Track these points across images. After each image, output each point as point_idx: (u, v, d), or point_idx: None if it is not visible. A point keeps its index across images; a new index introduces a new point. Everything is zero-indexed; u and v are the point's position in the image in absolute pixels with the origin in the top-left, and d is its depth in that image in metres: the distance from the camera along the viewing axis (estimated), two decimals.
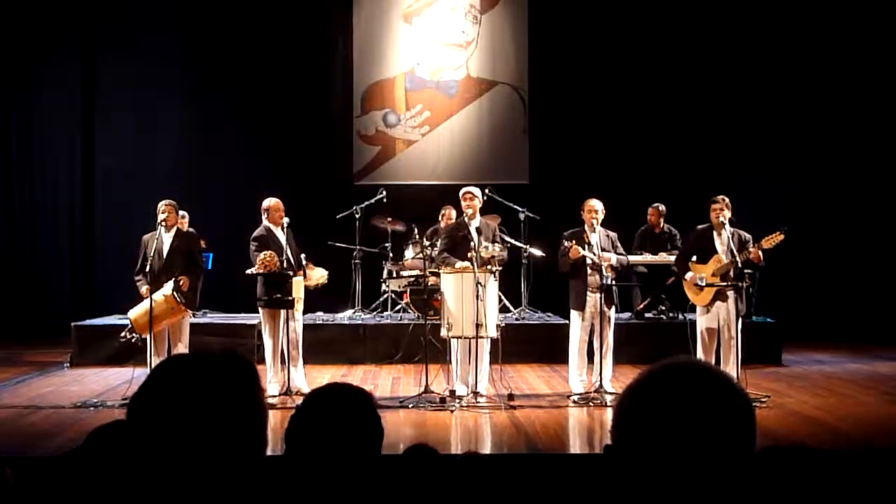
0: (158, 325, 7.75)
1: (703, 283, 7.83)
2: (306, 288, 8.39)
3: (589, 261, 7.90)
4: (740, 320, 7.79)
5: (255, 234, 8.15)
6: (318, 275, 8.78)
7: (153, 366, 7.65)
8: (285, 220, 8.18)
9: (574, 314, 8.16)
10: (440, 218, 10.55)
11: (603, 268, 7.82)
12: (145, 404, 1.46)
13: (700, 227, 8.15)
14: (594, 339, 8.05)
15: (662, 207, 10.94)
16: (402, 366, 9.90)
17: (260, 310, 8.14)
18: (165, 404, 1.44)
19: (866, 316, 12.38)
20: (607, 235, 8.16)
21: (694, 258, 8.07)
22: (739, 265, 7.63)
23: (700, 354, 7.88)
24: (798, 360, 10.23)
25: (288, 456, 2.05)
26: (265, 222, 8.20)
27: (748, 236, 7.88)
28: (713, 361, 7.78)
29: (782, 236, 7.64)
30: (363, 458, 2.06)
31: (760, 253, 7.61)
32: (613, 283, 8.04)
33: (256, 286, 8.08)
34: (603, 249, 7.96)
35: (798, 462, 1.97)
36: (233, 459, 1.43)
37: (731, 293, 7.75)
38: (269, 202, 8.28)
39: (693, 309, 8.33)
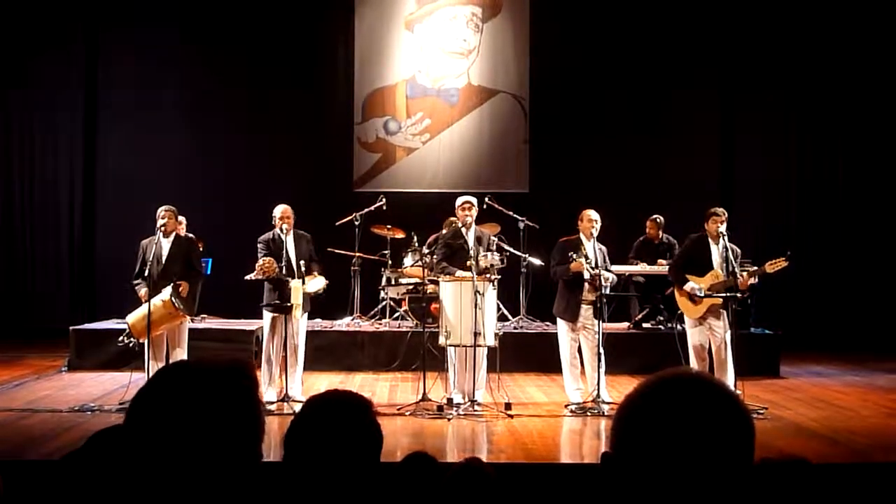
0: (156, 330, 7.75)
1: (702, 295, 7.83)
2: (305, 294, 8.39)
3: (587, 275, 7.89)
4: (729, 334, 7.79)
5: (262, 237, 8.22)
6: (316, 283, 8.76)
7: (150, 371, 7.69)
8: (284, 226, 8.19)
9: (562, 323, 8.15)
10: (444, 227, 10.53)
11: (602, 278, 7.82)
12: (142, 411, 1.46)
13: (694, 235, 8.15)
14: (583, 350, 8.06)
15: (661, 219, 10.93)
16: (400, 373, 9.89)
17: (264, 314, 8.17)
18: (162, 412, 1.44)
19: (865, 328, 12.38)
20: (600, 249, 8.16)
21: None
22: (736, 283, 7.64)
23: (694, 367, 7.87)
24: (796, 372, 10.23)
25: (286, 462, 2.05)
26: (275, 227, 8.24)
27: (739, 251, 7.91)
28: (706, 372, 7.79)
29: (786, 262, 7.66)
30: (362, 466, 2.06)
31: (748, 281, 7.64)
32: (609, 293, 8.02)
33: (263, 291, 8.13)
34: (595, 263, 7.96)
35: (795, 474, 1.97)
36: (226, 470, 1.43)
37: (723, 311, 7.76)
38: (277, 208, 8.30)
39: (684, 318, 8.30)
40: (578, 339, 8.09)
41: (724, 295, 7.74)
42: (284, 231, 8.18)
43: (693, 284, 7.91)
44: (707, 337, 7.91)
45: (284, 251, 8.07)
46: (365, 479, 2.05)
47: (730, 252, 7.78)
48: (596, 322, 7.90)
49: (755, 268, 7.77)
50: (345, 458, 2.04)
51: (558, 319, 8.20)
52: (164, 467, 1.40)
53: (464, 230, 8.23)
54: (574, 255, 7.84)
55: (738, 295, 7.69)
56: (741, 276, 7.63)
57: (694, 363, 7.93)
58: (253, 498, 1.49)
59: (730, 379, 7.67)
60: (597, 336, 7.89)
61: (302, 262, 8.18)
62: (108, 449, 2.16)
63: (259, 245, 8.15)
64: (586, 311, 7.99)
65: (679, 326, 10.16)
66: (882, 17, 12.81)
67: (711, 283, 7.83)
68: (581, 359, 8.12)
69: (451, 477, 2.82)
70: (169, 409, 1.43)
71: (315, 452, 2.03)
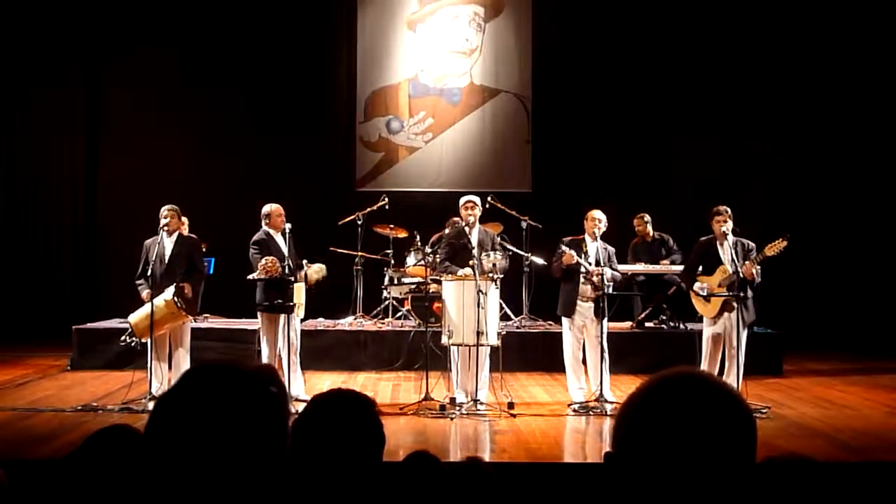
0: (159, 329, 7.76)
1: (706, 293, 7.83)
2: (308, 288, 8.40)
3: (583, 269, 7.90)
4: (745, 330, 7.76)
5: (255, 238, 8.18)
6: (317, 268, 8.75)
7: (152, 371, 7.69)
8: (287, 225, 8.20)
9: (565, 322, 8.17)
10: (447, 226, 10.54)
11: (605, 277, 7.82)
12: (168, 412, 1.42)
13: (703, 238, 8.14)
14: (586, 349, 8.06)
15: (647, 217, 10.89)
16: (403, 373, 9.90)
17: (259, 315, 8.15)
18: (188, 414, 1.40)
19: (867, 327, 12.36)
20: (605, 249, 8.15)
21: (700, 268, 8.07)
22: (741, 276, 7.62)
23: (705, 362, 7.87)
24: (799, 371, 10.22)
25: (290, 461, 2.04)
26: (265, 227, 8.23)
27: (752, 244, 7.87)
28: (717, 369, 7.78)
29: (785, 243, 7.62)
30: (364, 465, 2.06)
31: (754, 270, 7.60)
32: (608, 292, 8.00)
33: (256, 291, 8.10)
34: (598, 262, 7.96)
35: (798, 473, 1.96)
36: (250, 479, 1.41)
37: (736, 304, 7.74)
38: (269, 207, 8.30)
39: (699, 319, 8.30)
40: (582, 338, 8.09)
41: (726, 294, 7.72)
42: (287, 230, 8.19)
43: (698, 284, 7.92)
44: (722, 331, 7.89)
45: (284, 250, 8.09)
46: (367, 477, 2.05)
47: (736, 248, 7.76)
48: (598, 320, 7.90)
49: (755, 256, 7.73)
50: (348, 456, 2.04)
51: (562, 318, 8.22)
52: (185, 471, 1.37)
53: (467, 229, 8.24)
54: (565, 249, 7.86)
55: (741, 293, 7.65)
56: (745, 265, 7.61)
57: (705, 357, 7.92)
58: (257, 496, 1.47)
59: (734, 374, 7.64)
60: (599, 335, 7.89)
61: (304, 261, 8.19)
62: (106, 449, 2.16)
63: (253, 247, 8.10)
64: (588, 310, 7.99)
65: (683, 326, 10.20)
66: (882, 15, 12.78)
67: (720, 280, 7.83)
68: (585, 358, 8.13)
69: (452, 476, 2.81)
70: (196, 412, 1.39)
71: (318, 451, 2.03)
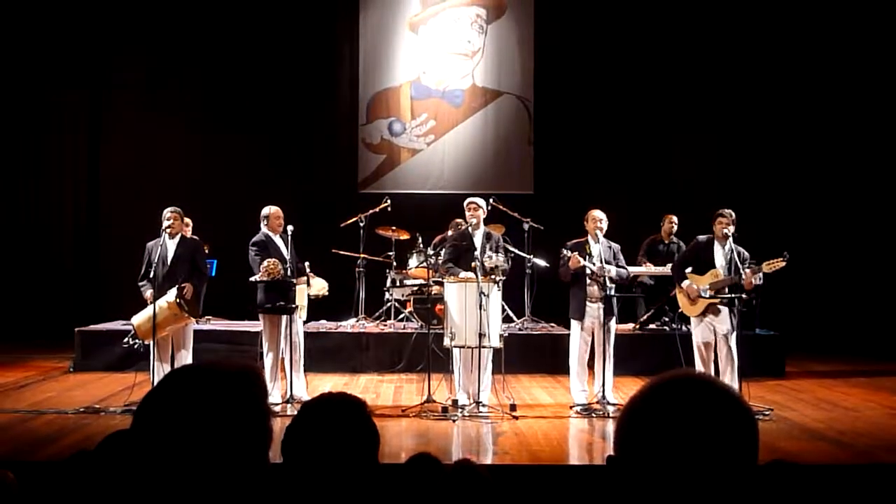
0: (161, 331, 7.76)
1: (707, 295, 7.82)
2: (308, 297, 8.41)
3: (588, 271, 7.91)
4: (734, 334, 7.76)
5: (255, 239, 8.19)
6: (319, 286, 8.78)
7: (155, 372, 7.69)
8: (290, 227, 8.19)
9: (574, 323, 8.17)
10: (449, 228, 10.55)
11: (606, 279, 7.82)
12: (150, 413, 1.45)
13: (701, 237, 8.14)
14: (595, 350, 8.06)
15: (676, 219, 10.82)
16: (405, 375, 9.90)
17: (261, 317, 8.15)
18: (170, 415, 1.43)
19: (869, 329, 12.35)
20: (609, 247, 8.15)
21: (689, 269, 8.06)
22: (739, 282, 7.62)
23: (698, 366, 7.86)
24: (801, 373, 10.21)
25: (284, 465, 2.05)
26: (264, 229, 8.23)
27: (746, 254, 7.88)
28: (712, 374, 7.77)
29: (784, 263, 7.63)
30: (359, 467, 2.06)
31: (753, 280, 7.60)
32: (613, 294, 8.01)
33: (257, 293, 8.10)
34: (605, 261, 7.96)
35: (801, 475, 1.96)
36: (233, 475, 1.42)
37: (723, 307, 7.74)
38: (268, 210, 8.30)
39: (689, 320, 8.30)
40: (590, 341, 8.09)
41: (725, 296, 7.72)
42: (289, 232, 8.18)
43: (691, 283, 7.91)
44: (711, 337, 7.89)
45: (282, 252, 8.09)
46: (363, 479, 2.05)
47: (734, 254, 7.77)
48: (604, 319, 7.88)
49: (755, 267, 7.73)
50: (341, 459, 2.03)
51: (571, 320, 8.21)
52: (170, 471, 1.39)
53: (471, 231, 8.24)
54: (568, 253, 7.86)
55: (743, 296, 7.65)
56: (745, 274, 7.61)
57: (698, 361, 7.93)
58: (253, 501, 1.48)
59: (731, 377, 7.65)
60: (603, 336, 7.88)
61: (307, 264, 8.19)
62: (120, 451, 2.17)
63: (253, 249, 8.11)
64: (596, 310, 7.98)
65: (684, 328, 10.18)
66: (883, 19, 12.78)
67: (710, 282, 7.82)
68: (593, 360, 8.13)
69: (444, 479, 2.81)
70: (177, 413, 1.42)
71: (312, 455, 2.03)
